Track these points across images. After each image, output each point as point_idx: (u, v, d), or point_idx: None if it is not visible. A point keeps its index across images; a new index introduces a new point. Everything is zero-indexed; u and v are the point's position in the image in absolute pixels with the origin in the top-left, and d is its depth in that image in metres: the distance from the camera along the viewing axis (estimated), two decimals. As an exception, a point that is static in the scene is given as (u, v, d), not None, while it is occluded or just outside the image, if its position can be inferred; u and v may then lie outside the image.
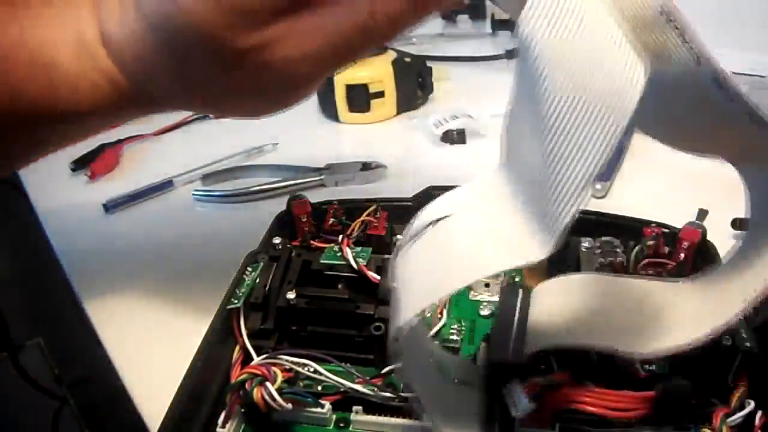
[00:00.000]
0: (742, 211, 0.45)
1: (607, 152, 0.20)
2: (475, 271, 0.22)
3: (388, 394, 0.30)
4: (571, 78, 0.20)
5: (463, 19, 0.92)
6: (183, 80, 0.29)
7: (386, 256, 0.37)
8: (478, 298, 0.37)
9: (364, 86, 0.63)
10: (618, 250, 0.37)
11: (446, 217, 0.24)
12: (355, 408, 0.31)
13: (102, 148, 0.62)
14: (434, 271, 0.23)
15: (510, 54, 0.77)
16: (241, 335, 0.33)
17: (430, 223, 0.24)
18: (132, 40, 0.28)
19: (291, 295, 0.34)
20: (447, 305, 0.35)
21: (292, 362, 0.32)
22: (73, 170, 0.60)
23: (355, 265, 0.35)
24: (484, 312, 0.36)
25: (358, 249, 0.37)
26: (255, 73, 0.27)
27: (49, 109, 0.30)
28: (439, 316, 0.35)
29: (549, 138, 0.21)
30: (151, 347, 0.39)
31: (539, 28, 0.21)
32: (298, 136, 0.63)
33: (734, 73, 0.66)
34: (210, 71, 0.27)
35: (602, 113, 0.20)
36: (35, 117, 0.30)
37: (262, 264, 0.37)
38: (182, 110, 0.31)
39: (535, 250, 0.21)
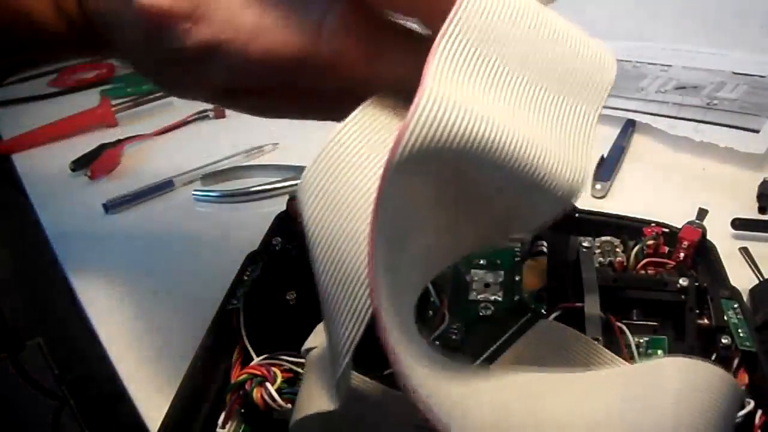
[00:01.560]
0: (742, 211, 0.45)
1: (360, 330, 0.20)
2: (302, 411, 0.25)
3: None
4: (326, 259, 0.21)
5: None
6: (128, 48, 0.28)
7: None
8: (478, 298, 0.37)
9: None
10: (618, 250, 0.37)
11: (314, 348, 0.27)
12: (355, 408, 0.31)
13: (102, 148, 0.62)
14: (300, 398, 0.26)
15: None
16: (241, 335, 0.33)
17: (306, 350, 0.27)
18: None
19: (291, 295, 0.34)
20: (447, 305, 0.35)
21: (292, 362, 0.32)
22: (73, 170, 0.60)
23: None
24: (484, 312, 0.36)
25: (358, 249, 0.37)
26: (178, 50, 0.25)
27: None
28: (442, 317, 0.35)
29: (321, 296, 0.22)
30: (151, 347, 0.39)
31: (309, 198, 0.22)
32: (298, 136, 0.62)
33: (734, 73, 0.66)
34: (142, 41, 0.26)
35: (348, 297, 0.20)
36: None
37: (262, 264, 0.37)
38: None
39: (329, 400, 0.23)
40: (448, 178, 0.20)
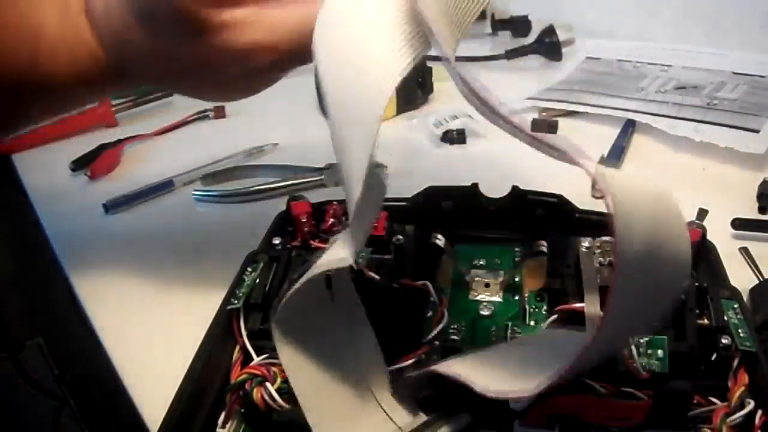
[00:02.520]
0: (742, 211, 0.45)
1: (371, 146, 0.22)
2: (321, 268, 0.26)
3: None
4: (337, 81, 0.23)
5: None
6: (153, 53, 0.29)
7: (386, 256, 0.37)
8: (478, 298, 0.37)
9: (364, 86, 0.63)
10: (618, 250, 0.37)
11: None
12: (355, 408, 0.31)
13: (102, 148, 0.62)
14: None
15: (510, 54, 0.77)
16: (241, 335, 0.33)
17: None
18: (111, 11, 0.29)
19: (291, 295, 0.34)
20: (447, 305, 0.35)
21: (292, 362, 0.31)
22: (73, 170, 0.60)
23: (354, 266, 0.35)
24: (484, 312, 0.36)
25: (358, 249, 0.37)
26: (219, 51, 0.28)
27: (30, 76, 0.31)
28: (441, 316, 0.35)
29: (331, 132, 0.24)
30: (151, 347, 0.39)
31: (321, 31, 0.24)
32: (298, 136, 0.63)
33: (734, 73, 0.67)
34: (177, 43, 0.28)
35: (359, 111, 0.23)
36: (17, 84, 0.31)
37: (262, 264, 0.37)
38: (153, 85, 0.34)
39: (347, 253, 0.25)
40: None
